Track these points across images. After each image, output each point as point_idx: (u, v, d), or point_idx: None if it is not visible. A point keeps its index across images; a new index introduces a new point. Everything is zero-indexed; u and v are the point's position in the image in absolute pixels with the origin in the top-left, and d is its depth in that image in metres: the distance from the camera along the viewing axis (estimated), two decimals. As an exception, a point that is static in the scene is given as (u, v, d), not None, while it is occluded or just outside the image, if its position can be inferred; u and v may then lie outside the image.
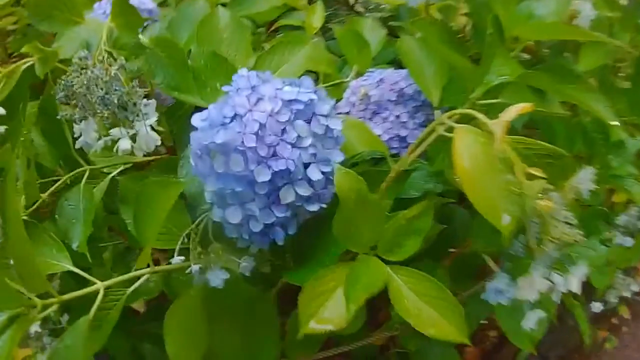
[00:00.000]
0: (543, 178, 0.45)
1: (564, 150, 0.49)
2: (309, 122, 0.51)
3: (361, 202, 0.52)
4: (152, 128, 0.59)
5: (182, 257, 0.56)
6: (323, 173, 0.51)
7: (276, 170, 0.49)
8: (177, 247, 0.57)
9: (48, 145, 0.70)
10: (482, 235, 0.61)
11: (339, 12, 1.15)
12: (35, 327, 0.65)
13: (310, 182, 0.51)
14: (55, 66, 0.65)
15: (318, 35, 0.97)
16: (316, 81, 0.82)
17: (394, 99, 0.73)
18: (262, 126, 0.49)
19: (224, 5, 0.71)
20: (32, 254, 0.48)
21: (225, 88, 0.53)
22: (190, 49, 0.71)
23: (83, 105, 0.58)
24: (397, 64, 0.82)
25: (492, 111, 0.49)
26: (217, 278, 0.55)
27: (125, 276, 0.57)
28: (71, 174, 0.69)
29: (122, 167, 0.70)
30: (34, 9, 0.68)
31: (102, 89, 0.56)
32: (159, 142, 0.60)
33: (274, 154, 0.49)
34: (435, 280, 0.52)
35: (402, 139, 0.72)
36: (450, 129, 0.50)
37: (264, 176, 0.49)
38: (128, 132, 0.58)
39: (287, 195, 0.51)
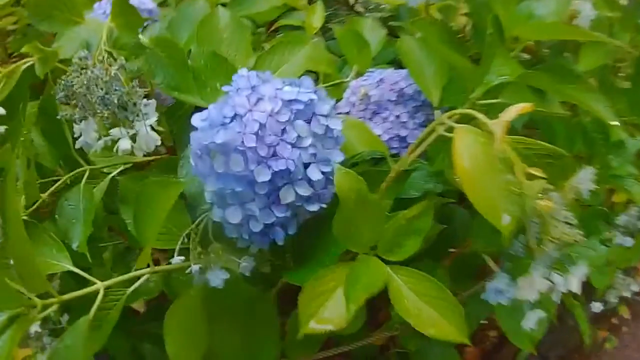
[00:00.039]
0: (543, 178, 0.45)
1: (564, 150, 0.49)
2: (309, 122, 0.51)
3: (361, 202, 0.52)
4: (152, 128, 0.59)
5: (182, 257, 0.56)
6: (323, 173, 0.51)
7: (276, 170, 0.49)
8: (177, 247, 0.57)
9: (48, 145, 0.70)
10: (482, 235, 0.61)
11: (339, 12, 1.15)
12: (35, 327, 0.65)
13: (310, 182, 0.51)
14: (55, 66, 0.65)
15: (318, 35, 0.97)
16: (316, 81, 0.82)
17: (394, 99, 0.73)
18: (262, 126, 0.49)
19: (224, 5, 0.71)
20: (32, 254, 0.48)
21: (225, 88, 0.53)
22: (190, 49, 0.71)
23: (83, 105, 0.58)
24: (397, 64, 0.82)
25: (492, 111, 0.49)
26: (217, 278, 0.55)
27: (125, 276, 0.57)
28: (71, 174, 0.69)
29: (122, 167, 0.70)
30: (34, 9, 0.68)
31: (102, 89, 0.56)
32: (159, 142, 0.60)
33: (274, 154, 0.49)
34: (435, 280, 0.52)
35: (402, 139, 0.72)
36: (450, 129, 0.50)
37: (264, 176, 0.49)
38: (128, 132, 0.58)
39: (287, 195, 0.51)
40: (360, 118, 0.73)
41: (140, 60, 0.64)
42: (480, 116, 0.48)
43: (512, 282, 0.50)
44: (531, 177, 0.45)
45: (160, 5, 0.85)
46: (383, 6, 1.07)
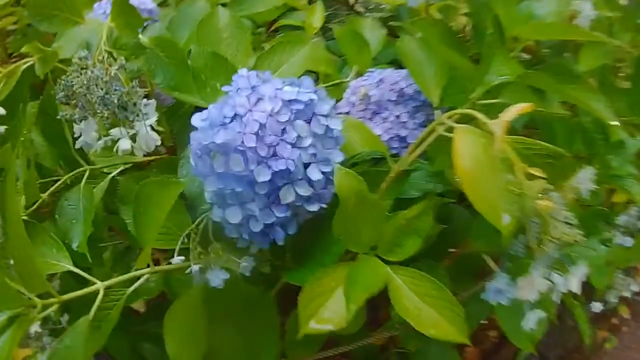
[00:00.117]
0: (543, 178, 0.45)
1: (564, 150, 0.49)
2: (309, 122, 0.51)
3: (361, 202, 0.52)
4: (152, 128, 0.59)
5: (182, 257, 0.56)
6: (323, 173, 0.51)
7: (276, 170, 0.49)
8: (177, 247, 0.57)
9: (48, 145, 0.70)
10: (482, 235, 0.61)
11: (339, 12, 1.15)
12: (35, 327, 0.65)
13: (310, 182, 0.51)
14: (55, 66, 0.65)
15: (318, 36, 0.96)
16: (316, 81, 0.82)
17: (394, 99, 0.73)
18: (262, 126, 0.49)
19: (224, 5, 0.71)
20: (32, 254, 0.48)
21: (225, 88, 0.53)
22: (190, 49, 0.70)
23: (83, 105, 0.57)
24: (397, 64, 0.82)
25: (492, 111, 0.49)
26: (217, 278, 0.55)
27: (125, 276, 0.57)
28: (71, 174, 0.69)
29: (122, 167, 0.70)
30: (34, 9, 0.68)
31: (102, 89, 0.56)
32: (159, 142, 0.60)
33: (274, 154, 0.49)
34: (436, 281, 0.52)
35: (402, 139, 0.71)
36: (450, 129, 0.50)
37: (264, 176, 0.49)
38: (128, 132, 0.58)
39: (287, 195, 0.51)
40: (360, 118, 0.73)
41: (140, 60, 0.64)
42: (480, 116, 0.48)
43: (512, 282, 0.50)
44: (531, 177, 0.45)
45: (161, 5, 0.85)
46: (383, 6, 1.07)
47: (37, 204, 0.67)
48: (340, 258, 0.55)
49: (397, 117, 0.72)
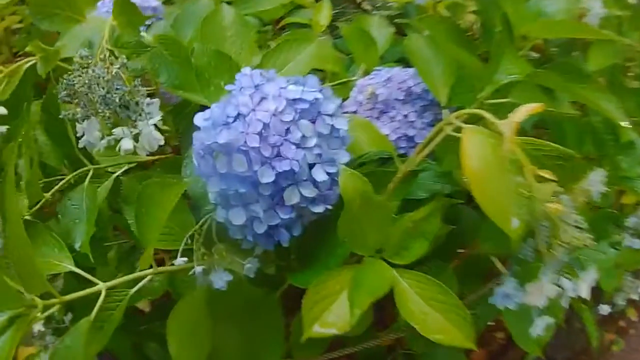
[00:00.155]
0: (553, 180, 0.44)
1: (574, 151, 0.48)
2: (314, 121, 0.51)
3: (366, 204, 0.51)
4: (156, 127, 0.59)
5: (185, 259, 0.56)
6: (328, 174, 0.51)
7: (280, 171, 0.48)
8: (181, 248, 0.56)
9: (52, 144, 0.70)
10: (490, 237, 0.61)
11: (346, 10, 1.14)
12: (38, 326, 0.65)
13: (315, 183, 0.50)
14: (58, 65, 0.65)
15: (325, 34, 0.96)
16: (323, 80, 0.81)
17: (401, 97, 0.72)
18: (265, 126, 0.48)
19: (229, 3, 0.71)
20: (32, 255, 0.48)
21: (228, 87, 0.52)
22: (194, 47, 0.70)
23: (85, 104, 0.57)
24: (405, 63, 0.81)
25: (501, 111, 0.48)
26: (220, 280, 0.55)
27: (128, 277, 0.57)
28: (75, 173, 0.68)
29: (126, 167, 0.70)
30: (35, 7, 0.68)
31: (103, 88, 0.56)
32: (162, 142, 0.60)
33: (278, 155, 0.49)
34: (442, 284, 0.52)
35: (410, 139, 0.71)
36: (458, 129, 0.49)
37: (267, 177, 0.48)
38: (131, 132, 0.58)
39: (292, 197, 0.50)
40: (367, 117, 0.72)
41: (143, 58, 0.64)
42: (489, 116, 0.47)
43: (520, 286, 0.49)
44: (541, 179, 0.44)
45: (166, 3, 0.84)
46: (390, 4, 1.06)
47: (40, 203, 0.67)
48: (346, 261, 0.55)
49: (405, 116, 0.71)
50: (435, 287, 0.51)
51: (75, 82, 0.56)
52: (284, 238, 0.52)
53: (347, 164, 0.51)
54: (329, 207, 0.52)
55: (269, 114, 0.49)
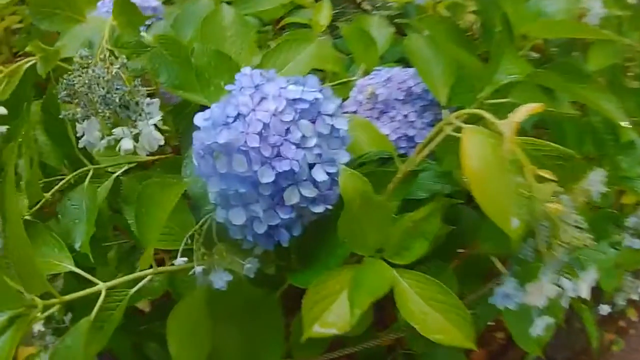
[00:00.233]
0: (553, 180, 0.44)
1: (574, 151, 0.48)
2: (314, 121, 0.51)
3: (366, 204, 0.51)
4: (157, 127, 0.59)
5: (185, 259, 0.55)
6: (328, 174, 0.51)
7: (280, 171, 0.48)
8: (181, 248, 0.56)
9: (52, 144, 0.70)
10: (490, 237, 0.61)
11: (346, 10, 1.14)
12: (38, 326, 0.65)
13: (315, 183, 0.50)
14: (58, 65, 0.65)
15: (325, 34, 0.96)
16: (323, 80, 0.81)
17: (401, 97, 0.72)
18: (265, 126, 0.48)
19: (229, 3, 0.71)
20: (32, 255, 0.48)
21: (228, 87, 0.52)
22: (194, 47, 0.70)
23: (85, 104, 0.57)
24: (405, 63, 0.81)
25: (501, 111, 0.48)
26: (220, 280, 0.55)
27: (128, 277, 0.57)
28: (75, 173, 0.68)
29: (126, 167, 0.70)
30: (35, 7, 0.68)
31: (103, 88, 0.56)
32: (162, 142, 0.60)
33: (278, 155, 0.49)
34: (442, 285, 0.52)
35: (410, 139, 0.71)
36: (458, 129, 0.49)
37: (267, 177, 0.48)
38: (131, 132, 0.58)
39: (292, 197, 0.50)
40: (367, 117, 0.72)
41: (143, 58, 0.64)
42: (489, 116, 0.47)
43: (520, 286, 0.49)
44: (541, 179, 0.44)
45: (166, 3, 0.84)
46: (390, 4, 1.06)
47: (40, 203, 0.67)
48: (346, 261, 0.55)
49: (405, 116, 0.71)
50: (435, 287, 0.51)
51: (75, 82, 0.56)
52: (284, 238, 0.52)
53: (347, 164, 0.51)
54: (329, 207, 0.52)
55: (269, 114, 0.49)
